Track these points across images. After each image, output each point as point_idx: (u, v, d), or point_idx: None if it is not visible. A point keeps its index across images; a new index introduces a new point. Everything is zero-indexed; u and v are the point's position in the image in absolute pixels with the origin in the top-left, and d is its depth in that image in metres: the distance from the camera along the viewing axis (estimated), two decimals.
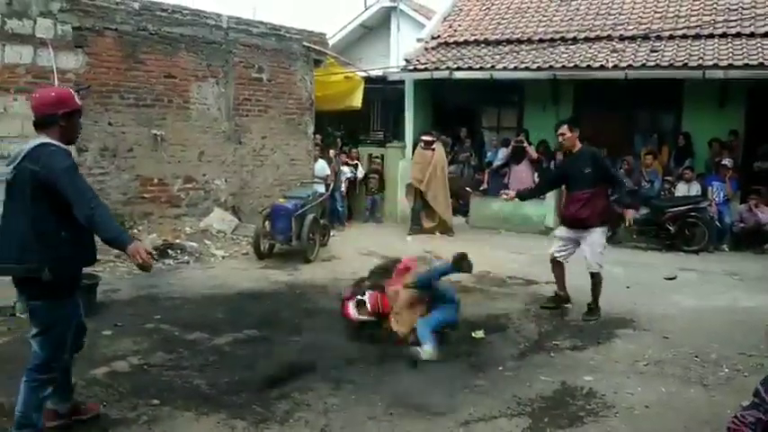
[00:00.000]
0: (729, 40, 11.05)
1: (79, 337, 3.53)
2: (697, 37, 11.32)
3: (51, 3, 8.11)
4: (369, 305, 5.24)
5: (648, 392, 4.27)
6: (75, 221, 3.12)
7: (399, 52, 15.04)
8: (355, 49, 17.28)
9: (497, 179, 12.07)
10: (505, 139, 12.42)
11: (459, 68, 11.89)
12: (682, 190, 10.55)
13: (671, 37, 11.54)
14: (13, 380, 3.67)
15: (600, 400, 4.13)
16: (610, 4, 13.03)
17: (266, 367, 4.55)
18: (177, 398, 4.02)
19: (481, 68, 11.76)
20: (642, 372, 4.69)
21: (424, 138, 11.12)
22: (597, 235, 6.00)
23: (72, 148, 3.47)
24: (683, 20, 11.89)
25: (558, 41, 12.23)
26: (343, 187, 11.88)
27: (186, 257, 8.32)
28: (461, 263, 5.25)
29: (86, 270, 3.68)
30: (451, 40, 13.26)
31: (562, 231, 6.34)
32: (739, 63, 10.04)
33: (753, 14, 11.44)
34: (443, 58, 12.48)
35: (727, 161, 10.36)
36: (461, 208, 12.22)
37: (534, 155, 11.61)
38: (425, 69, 12.21)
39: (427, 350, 4.82)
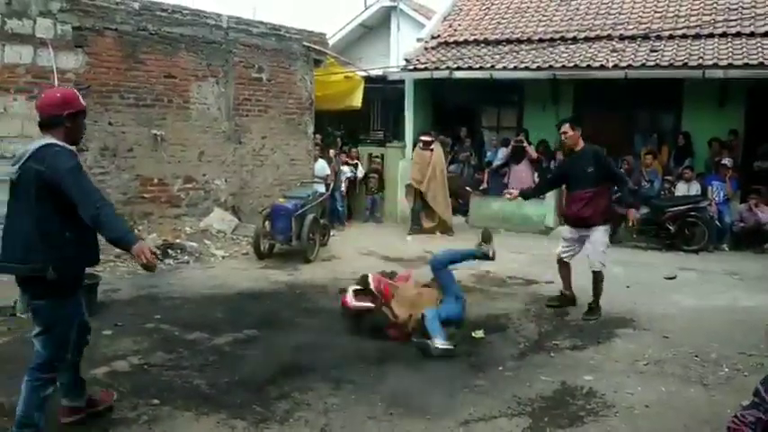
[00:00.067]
0: (729, 39, 11.05)
1: (84, 335, 3.56)
2: (697, 36, 11.32)
3: (51, 2, 8.11)
4: (372, 284, 5.34)
5: (648, 392, 4.27)
6: (80, 221, 3.12)
7: (399, 52, 15.04)
8: (355, 48, 17.28)
9: (497, 179, 12.08)
10: (505, 139, 12.42)
11: (458, 68, 11.89)
12: (682, 189, 10.55)
13: (671, 36, 11.54)
14: (14, 380, 3.67)
15: (600, 400, 4.13)
16: (609, 4, 13.03)
17: (266, 367, 4.56)
18: (177, 398, 4.02)
19: (481, 68, 11.76)
20: (642, 371, 4.69)
21: (422, 138, 11.13)
22: (600, 233, 6.01)
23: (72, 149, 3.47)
24: (682, 19, 11.89)
25: (558, 41, 12.23)
26: (344, 187, 11.89)
27: (186, 257, 8.33)
28: (488, 240, 5.61)
29: (87, 270, 3.68)
30: (451, 39, 13.25)
31: (566, 231, 6.36)
32: (739, 63, 10.04)
33: (753, 14, 11.44)
34: (443, 58, 12.48)
35: (726, 161, 10.36)
36: (461, 207, 12.22)
37: (534, 154, 11.61)
38: (425, 69, 12.21)
39: (438, 343, 4.84)
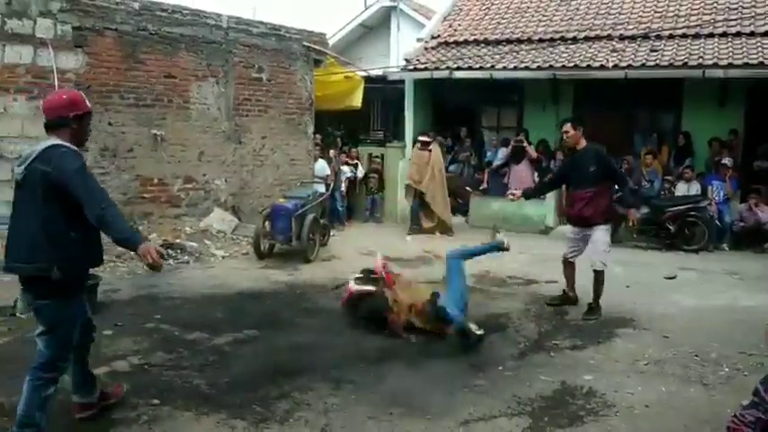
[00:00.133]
0: (729, 39, 11.05)
1: (89, 332, 3.62)
2: (697, 36, 11.33)
3: (51, 3, 8.11)
4: (375, 266, 5.68)
5: (648, 392, 4.27)
6: (85, 222, 3.15)
7: (399, 52, 15.05)
8: (355, 48, 17.28)
9: (497, 179, 12.08)
10: (505, 139, 12.42)
11: (458, 68, 11.89)
12: (682, 189, 10.54)
13: (671, 36, 11.55)
14: (14, 380, 3.68)
15: (600, 400, 4.13)
16: (609, 4, 13.04)
17: (266, 367, 4.56)
18: (177, 398, 4.02)
19: (481, 68, 11.77)
20: (642, 371, 4.69)
21: (420, 138, 11.13)
22: (601, 233, 6.02)
23: None
24: (682, 19, 11.89)
25: (558, 41, 12.23)
26: (344, 187, 11.88)
27: (186, 257, 8.33)
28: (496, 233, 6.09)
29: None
30: (451, 39, 13.26)
31: (570, 232, 6.38)
32: (739, 62, 10.04)
33: (753, 13, 11.44)
34: (443, 58, 12.48)
35: (726, 160, 10.35)
36: (461, 207, 12.22)
37: (534, 154, 11.61)
38: (425, 69, 12.21)
39: (474, 329, 5.01)
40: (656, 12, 12.43)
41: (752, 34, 11.00)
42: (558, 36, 12.40)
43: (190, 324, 5.51)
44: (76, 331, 3.36)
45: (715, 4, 12.05)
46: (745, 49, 10.49)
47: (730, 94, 11.07)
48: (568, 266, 6.37)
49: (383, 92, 14.12)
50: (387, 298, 5.39)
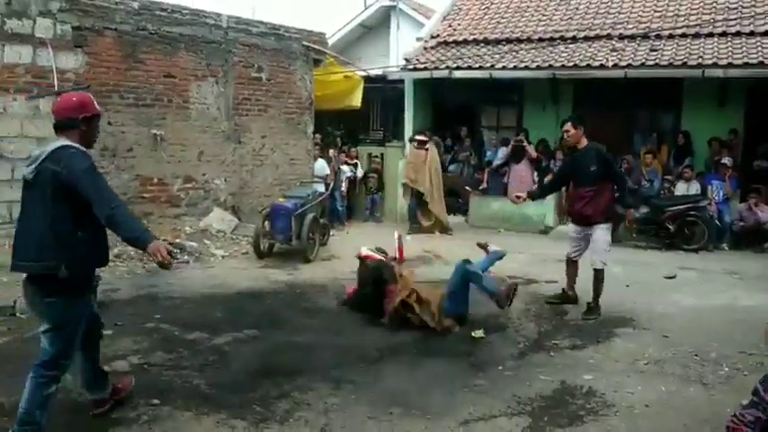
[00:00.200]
0: (729, 38, 11.06)
1: (97, 329, 3.69)
2: (696, 36, 11.33)
3: (51, 2, 8.11)
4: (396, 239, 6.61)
5: (648, 391, 4.27)
6: (92, 222, 3.21)
7: (399, 51, 15.03)
8: (355, 48, 17.28)
9: (497, 178, 12.08)
10: (505, 139, 12.41)
11: (458, 68, 11.89)
12: (681, 189, 10.54)
13: (670, 36, 11.55)
14: (13, 379, 3.68)
15: (600, 399, 4.13)
16: (609, 3, 13.04)
17: (266, 367, 4.56)
18: (177, 398, 4.02)
19: (481, 68, 11.77)
20: (642, 371, 4.69)
21: (417, 137, 11.13)
22: (602, 232, 6.03)
23: None
24: (682, 19, 11.89)
25: (558, 40, 12.23)
26: (344, 186, 11.88)
27: (186, 257, 8.32)
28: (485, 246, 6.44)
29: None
30: (451, 39, 13.26)
31: (572, 231, 6.38)
32: (739, 62, 10.04)
33: (752, 13, 11.44)
34: (443, 58, 12.48)
35: (726, 160, 10.35)
36: (461, 207, 12.22)
37: (534, 154, 11.61)
38: (425, 69, 12.21)
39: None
40: (655, 11, 12.43)
41: (751, 34, 11.00)
42: (557, 35, 12.40)
43: (190, 324, 5.51)
44: (81, 330, 3.39)
45: (714, 4, 12.05)
46: (744, 48, 10.49)
47: (730, 93, 11.07)
48: (571, 266, 6.38)
49: (383, 91, 14.12)
50: (393, 268, 5.67)
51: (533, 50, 11.94)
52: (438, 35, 13.47)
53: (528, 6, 13.75)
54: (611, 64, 10.76)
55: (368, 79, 13.37)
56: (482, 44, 12.85)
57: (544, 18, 13.14)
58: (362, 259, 6.24)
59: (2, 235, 7.18)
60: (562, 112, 11.11)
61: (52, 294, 3.22)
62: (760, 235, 9.90)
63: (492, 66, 11.70)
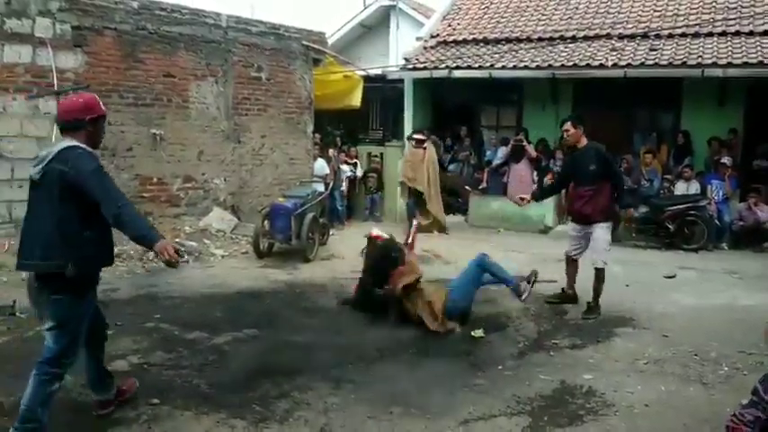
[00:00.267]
0: (728, 38, 11.06)
1: (102, 330, 3.72)
2: (696, 35, 11.33)
3: (50, 2, 8.10)
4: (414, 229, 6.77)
5: (648, 391, 4.27)
6: (99, 222, 3.24)
7: (398, 51, 15.03)
8: (354, 48, 17.28)
9: (497, 178, 12.09)
10: (505, 138, 12.41)
11: (458, 67, 11.89)
12: (681, 188, 10.55)
13: (670, 35, 11.55)
14: (13, 379, 3.68)
15: (599, 399, 4.13)
16: (609, 3, 13.04)
17: (266, 367, 4.56)
18: (177, 397, 4.02)
19: (480, 67, 11.76)
20: (642, 370, 4.69)
21: (415, 136, 11.11)
22: (602, 231, 6.03)
23: None
24: (682, 18, 11.90)
25: (558, 40, 12.23)
26: (344, 186, 11.88)
27: (186, 257, 8.31)
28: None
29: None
30: (450, 38, 13.25)
31: (572, 230, 6.38)
32: (738, 61, 10.04)
33: (752, 13, 11.45)
34: (442, 57, 12.48)
35: (726, 159, 10.36)
36: (461, 207, 12.22)
37: (533, 153, 11.61)
38: (424, 68, 12.21)
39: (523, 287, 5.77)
40: (655, 11, 12.43)
41: (751, 33, 11.00)
42: (557, 35, 12.40)
43: (189, 323, 5.51)
44: (85, 328, 3.41)
45: (714, 4, 12.05)
46: (744, 48, 10.49)
47: (729, 93, 11.07)
48: (571, 264, 6.37)
49: (382, 91, 14.11)
50: (402, 250, 5.72)
51: (533, 50, 11.94)
52: (438, 35, 13.47)
53: (528, 6, 13.75)
54: (610, 63, 10.76)
55: (367, 79, 13.36)
56: (482, 44, 12.85)
57: (544, 18, 13.14)
58: (372, 239, 6.32)
59: (1, 235, 7.21)
60: (562, 112, 11.11)
61: (59, 292, 3.25)
62: (759, 234, 9.90)
63: (491, 65, 11.70)
